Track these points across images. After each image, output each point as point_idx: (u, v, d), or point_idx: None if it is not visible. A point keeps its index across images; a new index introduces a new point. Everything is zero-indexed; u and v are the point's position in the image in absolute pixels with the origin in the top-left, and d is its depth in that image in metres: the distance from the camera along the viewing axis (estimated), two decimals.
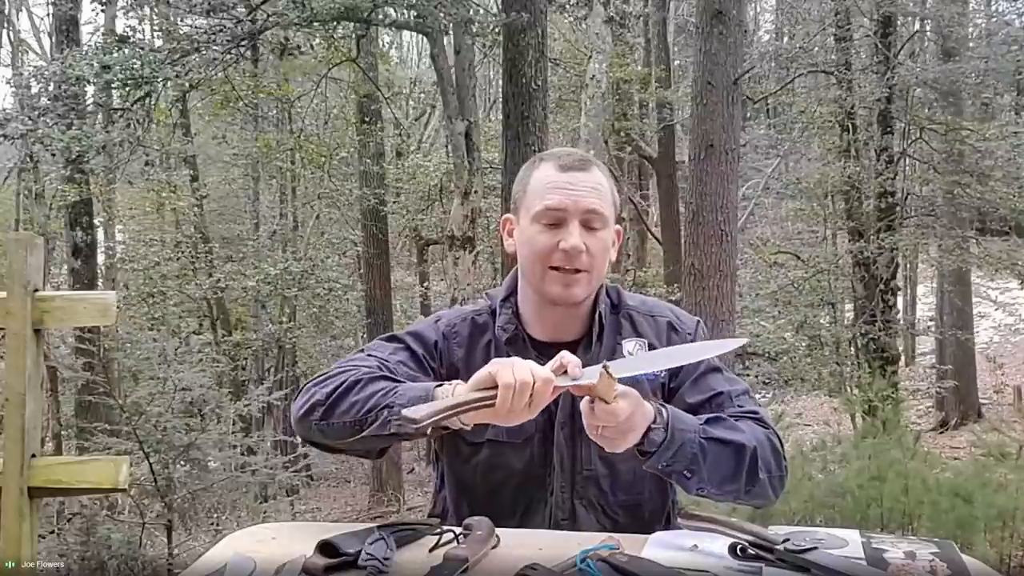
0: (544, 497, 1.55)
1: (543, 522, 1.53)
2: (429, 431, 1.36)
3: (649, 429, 1.37)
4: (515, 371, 1.27)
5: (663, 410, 1.40)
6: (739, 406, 1.54)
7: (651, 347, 1.58)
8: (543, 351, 1.53)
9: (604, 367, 1.29)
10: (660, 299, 1.83)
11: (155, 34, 10.73)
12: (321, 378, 1.49)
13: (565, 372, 1.32)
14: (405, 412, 1.25)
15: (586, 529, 1.48)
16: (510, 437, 1.51)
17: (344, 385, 1.43)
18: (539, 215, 1.51)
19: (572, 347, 1.54)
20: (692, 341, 1.60)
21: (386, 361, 1.51)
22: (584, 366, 1.42)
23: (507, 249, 1.61)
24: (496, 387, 1.26)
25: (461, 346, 1.59)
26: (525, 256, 1.55)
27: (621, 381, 1.35)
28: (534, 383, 1.26)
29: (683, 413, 1.45)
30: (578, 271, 1.50)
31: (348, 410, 1.40)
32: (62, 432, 9.99)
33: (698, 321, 1.66)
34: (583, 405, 1.34)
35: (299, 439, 1.58)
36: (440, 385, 1.36)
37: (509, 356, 1.51)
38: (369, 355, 1.54)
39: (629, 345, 1.59)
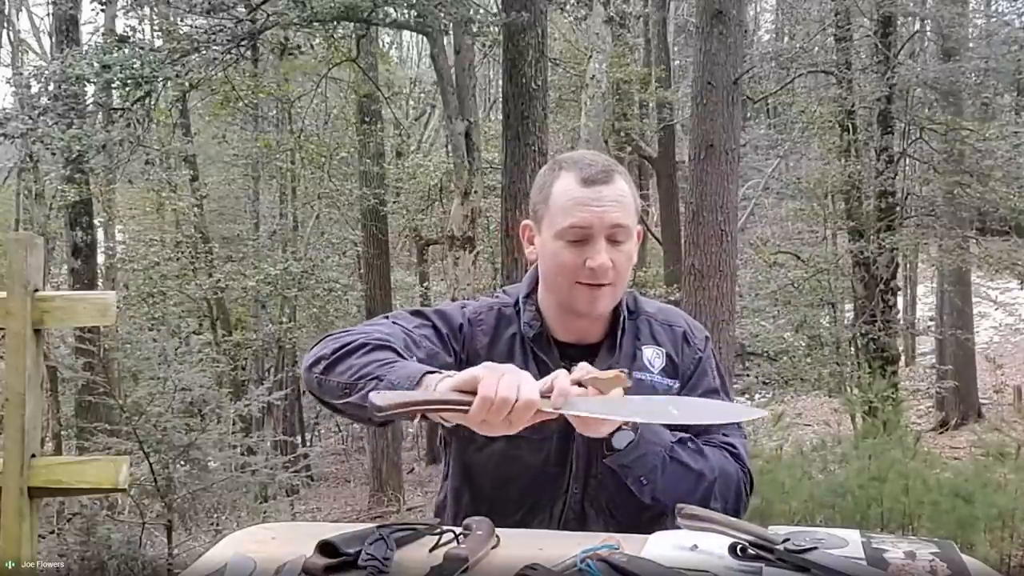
0: (553, 496, 1.55)
1: (548, 521, 1.53)
2: (416, 419, 1.32)
3: (620, 428, 1.40)
4: (499, 386, 1.19)
5: None
6: (723, 434, 1.58)
7: (668, 356, 1.61)
8: (565, 351, 1.55)
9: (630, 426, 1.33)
10: (661, 299, 1.85)
11: (155, 34, 10.73)
12: (340, 332, 1.47)
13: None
14: (372, 397, 1.21)
15: (590, 530, 1.49)
16: (528, 431, 1.50)
17: (351, 346, 1.41)
18: (564, 232, 1.49)
19: (594, 350, 1.57)
20: (700, 356, 1.63)
21: (411, 332, 1.50)
22: (606, 369, 1.43)
23: (528, 256, 1.60)
24: (475, 391, 1.21)
25: (486, 334, 1.59)
26: (549, 269, 1.54)
27: (638, 388, 1.43)
28: (515, 402, 1.20)
29: (659, 427, 1.48)
30: (603, 285, 1.50)
31: (344, 371, 1.38)
32: (62, 432, 10.00)
33: (707, 337, 1.68)
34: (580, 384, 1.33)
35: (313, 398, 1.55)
36: (432, 372, 1.30)
37: (534, 353, 1.54)
38: (394, 323, 1.52)
39: (648, 352, 1.60)
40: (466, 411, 1.21)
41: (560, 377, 1.27)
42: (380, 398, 1.20)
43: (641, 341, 1.61)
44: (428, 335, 1.53)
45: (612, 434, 1.41)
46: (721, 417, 1.49)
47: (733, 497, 1.53)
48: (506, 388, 1.20)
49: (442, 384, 1.26)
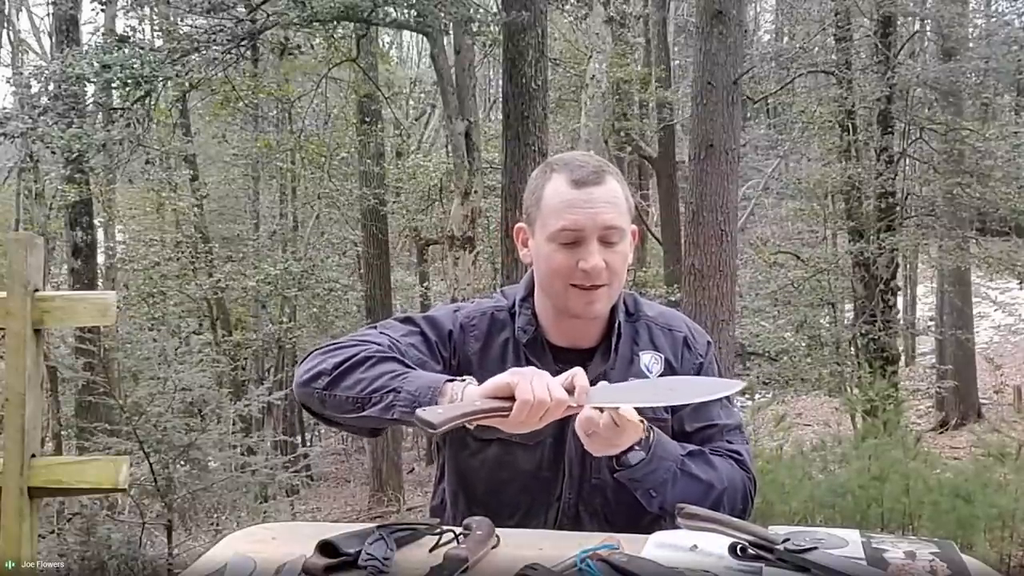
0: (547, 501, 1.55)
1: (543, 525, 1.53)
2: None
3: (632, 447, 1.41)
4: (534, 387, 1.26)
5: (651, 432, 1.44)
6: (728, 441, 1.58)
7: (667, 362, 1.59)
8: (560, 356, 1.55)
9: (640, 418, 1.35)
10: (661, 300, 1.84)
11: (155, 34, 10.73)
12: (330, 347, 1.48)
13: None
14: (421, 414, 1.24)
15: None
16: (522, 438, 1.49)
17: (353, 359, 1.41)
18: (556, 235, 1.48)
19: (589, 354, 1.56)
20: (702, 361, 1.62)
21: (397, 342, 1.50)
22: (602, 374, 1.49)
23: (522, 259, 1.60)
24: (511, 397, 1.26)
25: (478, 340, 1.58)
26: (543, 272, 1.54)
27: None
28: (550, 401, 1.27)
29: (667, 439, 1.48)
30: (598, 286, 1.50)
31: (353, 385, 1.39)
32: (62, 432, 10.00)
33: (709, 342, 1.67)
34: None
35: (304, 410, 1.58)
36: (451, 380, 1.34)
37: (527, 358, 1.54)
38: (382, 332, 1.53)
39: (646, 358, 1.59)
40: (506, 415, 1.27)
41: (579, 375, 1.32)
42: (431, 415, 1.24)
43: (639, 346, 1.59)
44: (416, 343, 1.53)
45: (623, 453, 1.41)
46: (715, 391, 1.50)
47: (740, 505, 1.53)
48: (540, 390, 1.27)
49: (469, 391, 1.31)
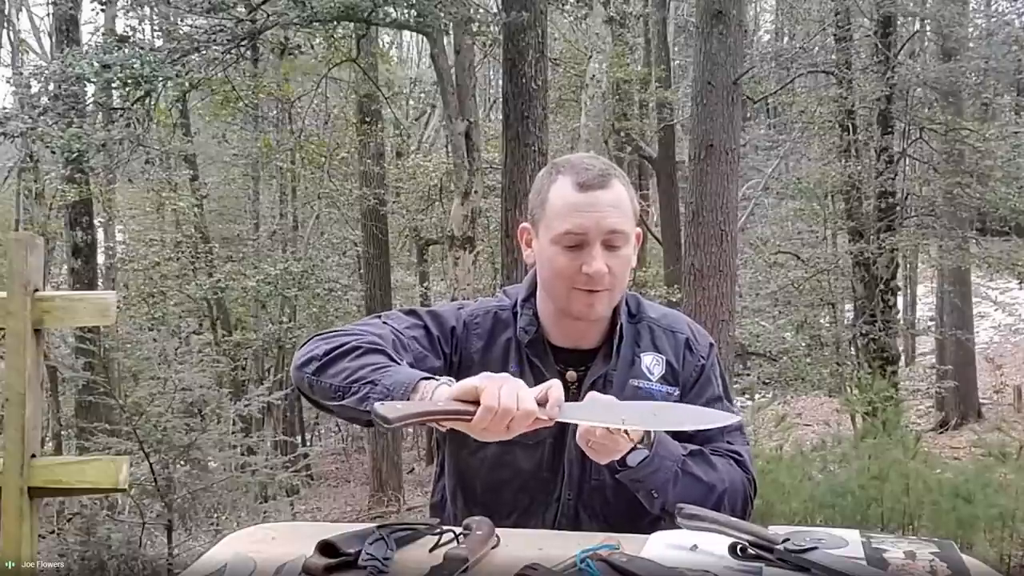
0: (547, 500, 1.55)
1: (541, 524, 1.53)
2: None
3: (635, 447, 1.41)
4: (501, 395, 1.22)
5: (651, 432, 1.43)
6: (728, 442, 1.58)
7: (668, 364, 1.59)
8: (562, 357, 1.55)
9: (626, 432, 1.35)
10: (661, 300, 1.84)
11: (155, 34, 10.73)
12: (328, 334, 1.48)
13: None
14: (378, 407, 1.21)
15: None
16: (522, 437, 1.49)
17: (342, 348, 1.41)
18: (560, 237, 1.48)
19: (591, 355, 1.56)
20: (704, 363, 1.62)
21: (401, 333, 1.50)
22: (604, 376, 1.50)
23: (526, 260, 1.60)
24: (477, 401, 1.23)
25: (481, 338, 1.58)
26: (546, 274, 1.54)
27: (635, 396, 1.46)
28: (516, 411, 1.23)
29: (669, 439, 1.48)
30: (600, 290, 1.50)
31: (337, 374, 1.38)
32: (62, 432, 10.00)
33: (711, 344, 1.67)
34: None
35: (303, 398, 1.56)
36: (427, 378, 1.32)
37: (529, 358, 1.54)
38: (385, 323, 1.52)
39: (648, 359, 1.59)
40: (468, 420, 1.23)
41: (554, 387, 1.28)
42: (387, 410, 1.21)
43: (641, 347, 1.59)
44: (418, 336, 1.53)
45: (625, 454, 1.42)
46: (699, 422, 1.47)
47: (740, 506, 1.53)
48: (508, 398, 1.22)
49: (440, 392, 1.28)
